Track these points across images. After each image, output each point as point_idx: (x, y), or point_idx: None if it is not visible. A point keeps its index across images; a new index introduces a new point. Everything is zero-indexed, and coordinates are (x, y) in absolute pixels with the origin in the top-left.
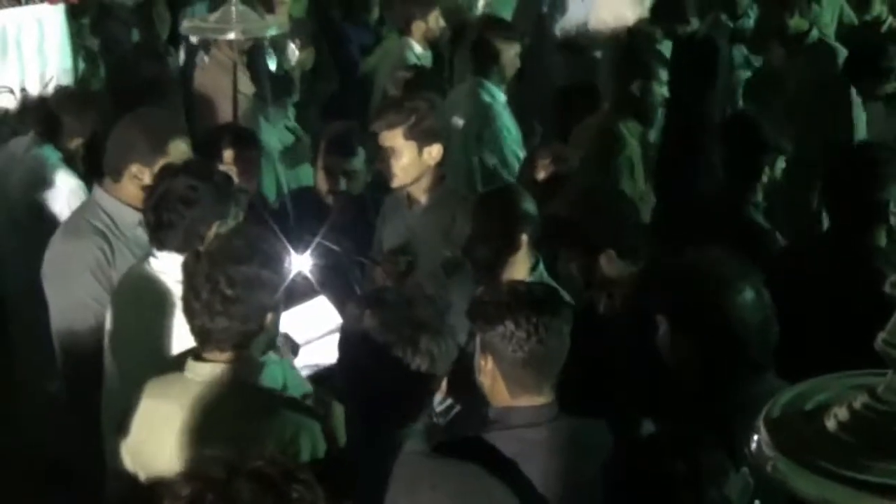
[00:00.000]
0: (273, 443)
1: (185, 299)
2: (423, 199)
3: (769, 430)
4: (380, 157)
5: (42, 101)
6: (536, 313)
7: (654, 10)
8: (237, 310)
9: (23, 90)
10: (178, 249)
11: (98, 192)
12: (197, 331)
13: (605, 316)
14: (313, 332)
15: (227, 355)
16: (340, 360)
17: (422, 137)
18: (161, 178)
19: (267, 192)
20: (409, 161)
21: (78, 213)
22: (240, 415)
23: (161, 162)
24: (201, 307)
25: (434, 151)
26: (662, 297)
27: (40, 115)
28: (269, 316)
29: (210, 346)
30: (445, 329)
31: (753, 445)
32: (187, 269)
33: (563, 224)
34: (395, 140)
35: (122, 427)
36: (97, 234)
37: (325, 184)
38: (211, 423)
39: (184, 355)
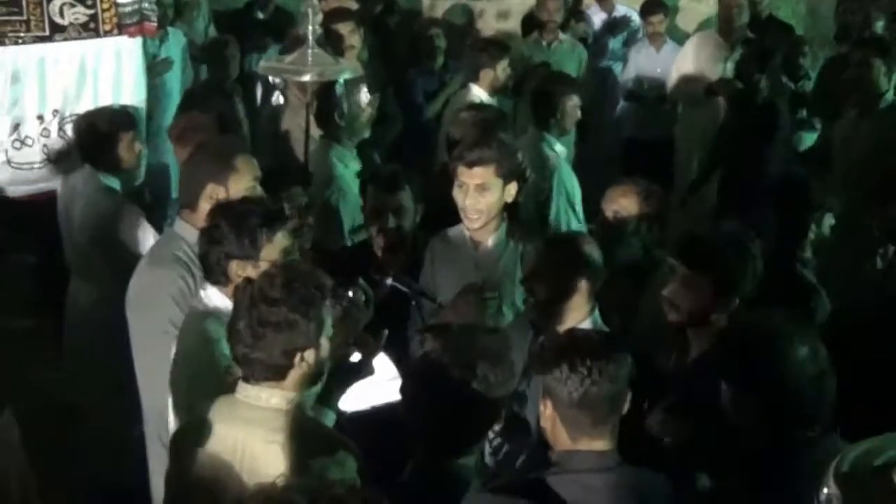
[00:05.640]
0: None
1: (229, 325)
2: (490, 237)
3: (839, 484)
4: (464, 195)
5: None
6: (591, 357)
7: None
8: (265, 346)
9: None
10: (212, 283)
11: (179, 223)
12: (234, 356)
13: (678, 367)
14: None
15: (269, 383)
16: (402, 385)
17: (508, 175)
18: (208, 215)
19: (347, 230)
20: (497, 198)
21: (162, 244)
22: (301, 443)
23: (233, 178)
24: (237, 337)
25: (513, 190)
26: (721, 356)
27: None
28: (304, 354)
29: (247, 372)
30: (504, 359)
31: (823, 498)
32: (236, 297)
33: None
34: (488, 176)
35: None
36: (180, 264)
37: (373, 221)
38: (265, 447)
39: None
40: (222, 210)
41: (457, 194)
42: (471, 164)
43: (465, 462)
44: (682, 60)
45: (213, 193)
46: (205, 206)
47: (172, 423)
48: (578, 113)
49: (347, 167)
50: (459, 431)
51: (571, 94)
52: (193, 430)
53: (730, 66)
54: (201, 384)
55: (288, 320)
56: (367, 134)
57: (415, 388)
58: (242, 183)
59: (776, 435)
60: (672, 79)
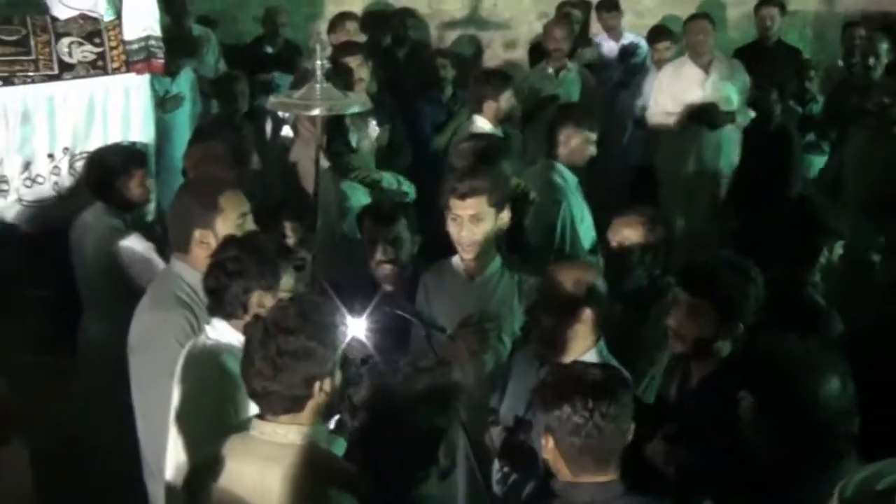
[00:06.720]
0: None
1: (243, 362)
2: (486, 267)
3: None
4: (459, 227)
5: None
6: (594, 398)
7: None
8: (284, 377)
9: None
10: (224, 317)
11: (175, 262)
12: (251, 392)
13: (680, 395)
14: None
15: (286, 417)
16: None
17: (500, 204)
18: (218, 247)
19: None
20: (490, 228)
21: (163, 285)
22: (316, 478)
23: (219, 219)
24: (254, 371)
25: (505, 217)
26: (752, 375)
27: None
28: (323, 383)
29: (264, 407)
30: (437, 390)
31: None
32: (247, 334)
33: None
34: (481, 206)
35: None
36: (183, 305)
37: (370, 254)
38: (283, 484)
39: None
40: (239, 243)
41: (451, 226)
42: (463, 196)
43: (422, 492)
44: (657, 89)
45: (202, 238)
46: (196, 249)
47: (182, 459)
48: (592, 149)
49: (357, 199)
50: (401, 465)
51: (584, 129)
52: (208, 467)
53: (734, 92)
54: (225, 417)
55: (306, 348)
56: (371, 164)
57: (373, 426)
58: (229, 221)
59: (796, 459)
60: (650, 107)
